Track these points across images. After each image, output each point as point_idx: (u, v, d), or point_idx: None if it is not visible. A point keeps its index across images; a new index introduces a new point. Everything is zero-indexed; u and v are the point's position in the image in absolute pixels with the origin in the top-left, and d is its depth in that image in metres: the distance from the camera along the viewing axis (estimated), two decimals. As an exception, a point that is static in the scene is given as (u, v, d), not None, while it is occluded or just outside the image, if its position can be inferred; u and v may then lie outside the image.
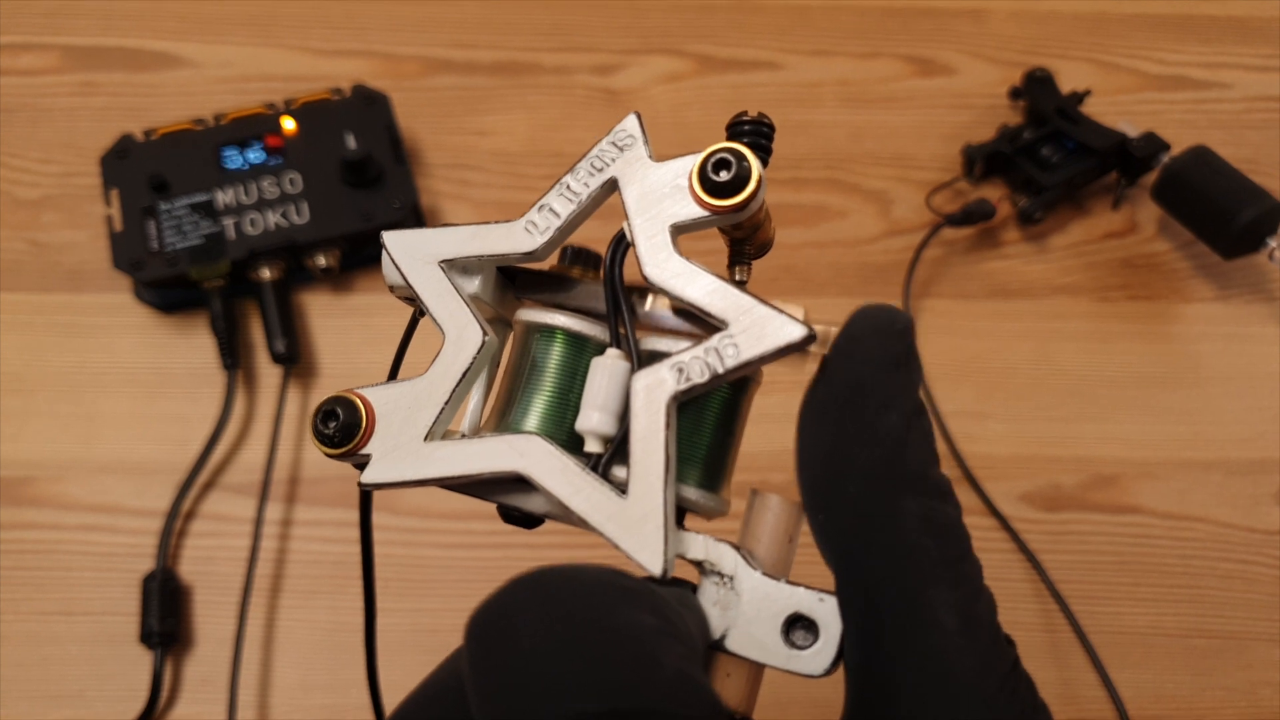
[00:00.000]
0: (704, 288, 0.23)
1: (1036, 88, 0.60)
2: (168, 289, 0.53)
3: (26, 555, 0.49)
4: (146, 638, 0.47)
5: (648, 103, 0.61)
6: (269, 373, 0.54)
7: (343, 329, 0.55)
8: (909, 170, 0.60)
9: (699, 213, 0.23)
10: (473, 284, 0.26)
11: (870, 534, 0.22)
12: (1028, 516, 0.51)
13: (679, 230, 0.24)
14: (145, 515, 0.50)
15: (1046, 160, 0.58)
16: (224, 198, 0.54)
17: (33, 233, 0.56)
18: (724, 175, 0.23)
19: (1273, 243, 0.54)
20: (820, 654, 0.23)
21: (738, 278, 0.25)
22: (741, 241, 0.25)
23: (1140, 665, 0.48)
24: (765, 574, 0.23)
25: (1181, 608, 0.50)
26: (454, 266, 0.25)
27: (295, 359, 0.53)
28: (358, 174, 0.54)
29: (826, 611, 0.23)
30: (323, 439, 0.25)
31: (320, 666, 0.48)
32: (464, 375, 0.25)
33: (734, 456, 0.25)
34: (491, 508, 0.26)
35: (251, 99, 0.58)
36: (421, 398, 0.25)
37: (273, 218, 0.53)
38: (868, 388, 0.22)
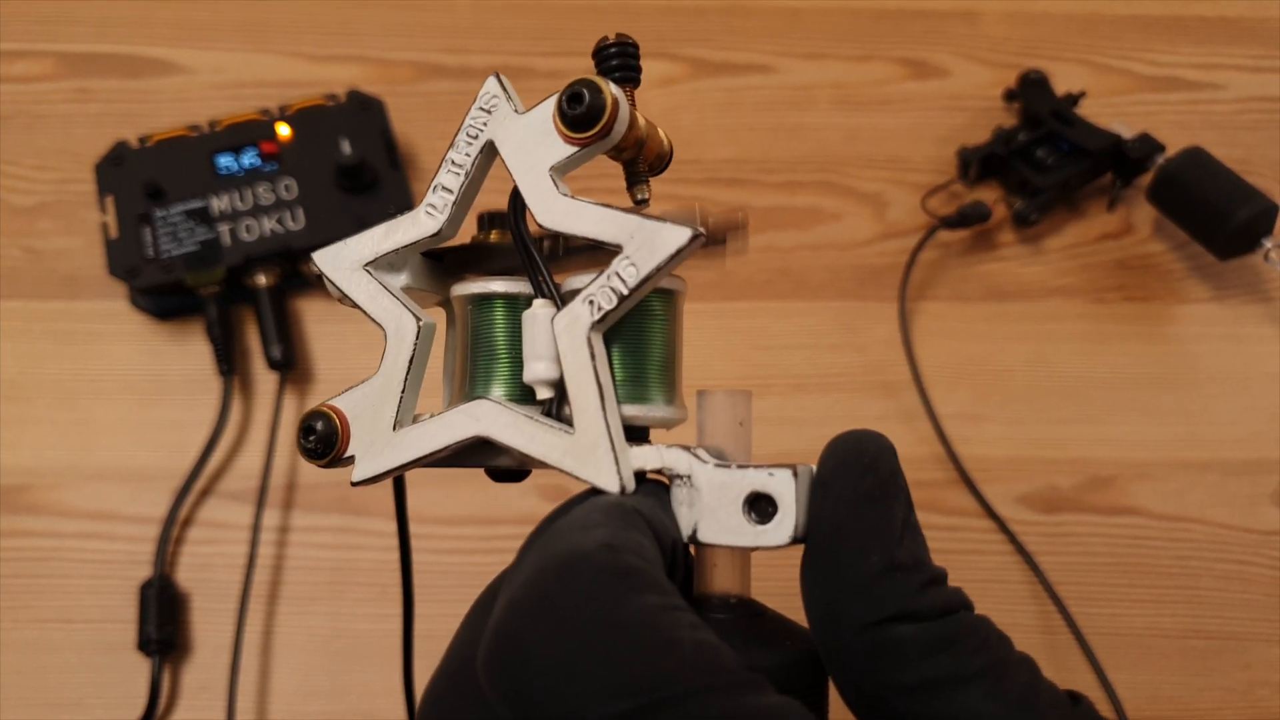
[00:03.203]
0: (593, 219, 0.24)
1: (1031, 89, 0.60)
2: (163, 296, 0.53)
3: (24, 563, 0.49)
4: (144, 645, 0.47)
5: (641, 106, 0.61)
6: (265, 379, 0.54)
7: (339, 334, 0.55)
8: (904, 173, 0.60)
9: (570, 150, 0.24)
10: (401, 278, 0.27)
11: (883, 679, 0.22)
12: (1025, 518, 0.51)
13: (559, 171, 0.25)
14: (142, 522, 0.50)
15: (1041, 162, 0.58)
16: (219, 204, 0.54)
17: (28, 240, 0.56)
18: (579, 109, 0.24)
19: (1268, 243, 0.54)
20: (782, 524, 0.23)
21: (639, 197, 0.26)
22: (632, 161, 0.26)
23: (1138, 666, 0.48)
24: (717, 464, 0.24)
25: (1179, 608, 0.50)
26: (380, 266, 0.27)
27: (291, 365, 0.53)
28: (353, 179, 0.54)
29: (779, 484, 0.23)
30: (308, 453, 0.26)
31: (319, 673, 0.48)
32: (410, 362, 0.26)
33: (678, 364, 0.27)
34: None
35: (246, 105, 0.58)
36: (382, 393, 0.26)
37: (268, 224, 0.53)
38: (842, 532, 0.22)
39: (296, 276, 0.54)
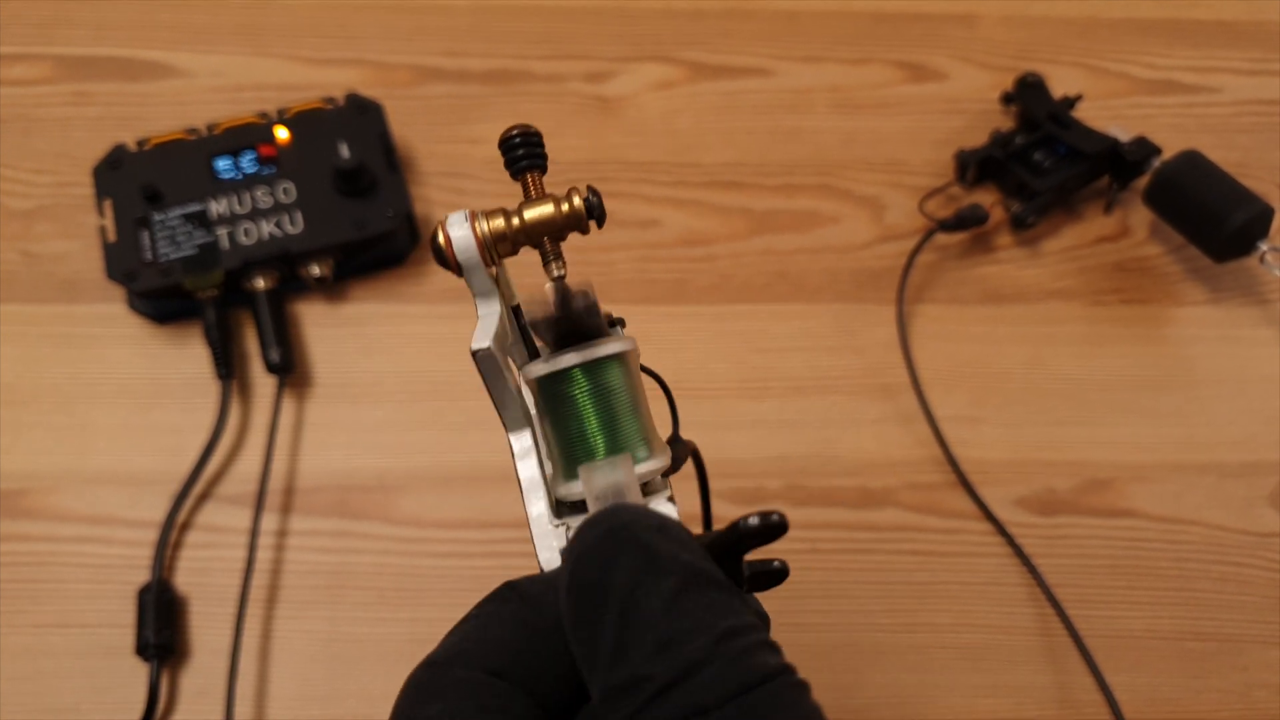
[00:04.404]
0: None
1: (1028, 93, 0.60)
2: (161, 299, 0.53)
3: (21, 567, 0.49)
4: (142, 650, 0.47)
5: (639, 110, 0.61)
6: (263, 382, 0.54)
7: (337, 338, 0.55)
8: (901, 176, 0.60)
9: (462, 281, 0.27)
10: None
11: None
12: (1023, 521, 0.51)
13: (480, 292, 0.28)
14: (140, 526, 0.50)
15: (1039, 165, 0.58)
16: (217, 207, 0.54)
17: (26, 243, 0.56)
18: (434, 257, 0.27)
19: (1264, 246, 0.54)
20: None
21: (553, 275, 0.28)
22: (538, 244, 0.28)
23: (1136, 668, 0.48)
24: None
25: (1176, 610, 0.50)
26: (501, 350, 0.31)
27: (290, 368, 0.53)
28: (351, 183, 0.54)
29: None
30: None
31: (317, 677, 0.48)
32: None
33: (623, 429, 0.27)
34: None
35: (244, 108, 0.58)
36: None
37: (266, 227, 0.53)
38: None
39: (295, 280, 0.54)
